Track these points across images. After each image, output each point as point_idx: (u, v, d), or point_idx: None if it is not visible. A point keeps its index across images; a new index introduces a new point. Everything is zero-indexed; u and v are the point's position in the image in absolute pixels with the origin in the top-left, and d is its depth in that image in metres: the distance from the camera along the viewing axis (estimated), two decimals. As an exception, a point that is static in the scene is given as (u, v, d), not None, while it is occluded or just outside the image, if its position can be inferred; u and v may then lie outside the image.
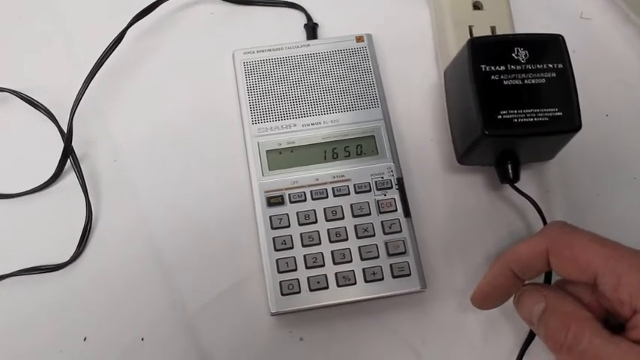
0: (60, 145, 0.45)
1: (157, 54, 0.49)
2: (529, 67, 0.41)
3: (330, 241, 0.42)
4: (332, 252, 0.42)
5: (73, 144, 0.45)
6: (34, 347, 0.42)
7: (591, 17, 0.52)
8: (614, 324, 0.33)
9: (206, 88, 0.48)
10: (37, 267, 0.43)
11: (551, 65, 0.41)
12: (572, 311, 0.33)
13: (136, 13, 0.47)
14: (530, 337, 0.40)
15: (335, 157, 0.44)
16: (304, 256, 0.42)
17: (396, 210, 0.43)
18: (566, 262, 0.34)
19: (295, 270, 0.41)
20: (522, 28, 0.48)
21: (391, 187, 0.44)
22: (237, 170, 0.45)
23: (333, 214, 0.43)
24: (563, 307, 0.34)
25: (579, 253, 0.34)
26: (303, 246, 0.42)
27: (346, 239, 0.42)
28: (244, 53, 0.47)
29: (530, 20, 0.49)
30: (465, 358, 0.42)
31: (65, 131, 0.45)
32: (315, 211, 0.43)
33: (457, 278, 0.43)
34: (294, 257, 0.42)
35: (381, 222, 0.43)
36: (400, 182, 0.44)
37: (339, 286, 0.41)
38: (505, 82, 0.41)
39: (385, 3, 0.52)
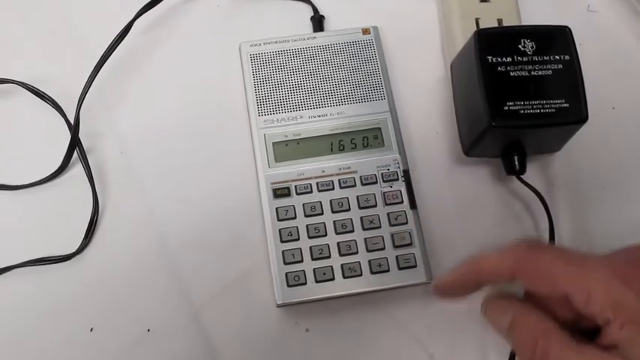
0: (67, 137, 0.45)
1: (164, 46, 0.50)
2: (536, 58, 0.41)
3: (336, 233, 0.42)
4: (338, 243, 0.42)
5: (79, 136, 0.45)
6: (40, 338, 0.42)
7: (598, 10, 0.52)
8: (586, 327, 0.33)
9: (212, 80, 0.48)
10: (44, 258, 0.43)
11: (557, 57, 0.41)
12: (538, 324, 0.33)
13: (142, 6, 0.47)
14: None
15: (341, 149, 0.44)
16: (310, 247, 0.42)
17: (402, 202, 0.43)
18: (533, 283, 0.34)
19: (301, 261, 0.42)
20: (529, 20, 0.48)
21: (397, 179, 0.44)
22: (243, 162, 0.45)
23: (339, 206, 0.43)
24: (529, 320, 0.34)
25: (545, 274, 0.33)
26: (309, 237, 0.42)
27: (352, 231, 0.42)
28: (251, 45, 0.47)
29: (536, 13, 0.49)
30: (471, 350, 0.42)
31: (72, 123, 0.45)
32: (321, 202, 0.43)
33: (463, 270, 0.43)
34: (300, 249, 0.42)
35: (387, 214, 0.43)
36: (406, 174, 0.44)
37: (345, 277, 0.41)
38: (512, 74, 0.41)
39: (392, -5, 0.52)
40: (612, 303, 0.31)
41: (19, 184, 0.45)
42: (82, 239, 0.44)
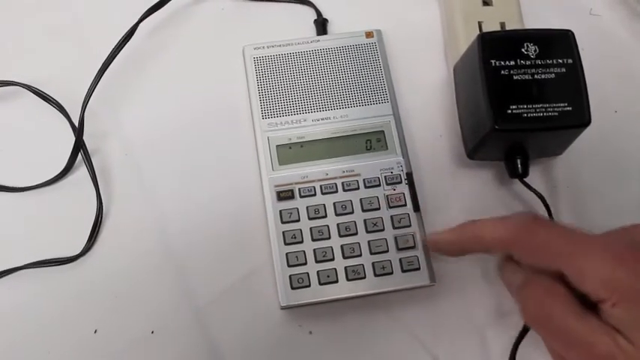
0: (71, 139, 0.45)
1: (168, 49, 0.50)
2: (539, 62, 0.41)
3: (340, 236, 0.42)
4: (342, 246, 0.42)
5: (84, 138, 0.45)
6: (44, 339, 0.42)
7: (601, 14, 0.52)
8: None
9: (216, 83, 0.48)
10: (48, 260, 0.43)
11: (560, 60, 0.42)
12: (548, 286, 0.34)
13: (147, 8, 0.47)
14: (525, 330, 0.40)
15: (344, 152, 0.45)
16: (314, 250, 0.42)
17: (405, 204, 0.43)
18: (529, 258, 0.35)
19: (305, 264, 0.42)
20: (531, 24, 0.48)
21: (400, 182, 0.44)
22: (247, 164, 0.45)
23: (342, 209, 0.43)
24: (540, 281, 0.34)
25: (541, 252, 0.34)
26: (313, 240, 0.42)
27: (356, 233, 0.42)
28: (254, 49, 0.47)
29: (539, 16, 0.49)
30: (474, 352, 0.42)
31: (76, 125, 0.45)
32: (324, 205, 0.43)
33: (466, 273, 0.43)
34: (304, 251, 0.42)
35: (391, 216, 0.43)
36: (409, 177, 0.44)
37: (348, 280, 0.41)
38: (515, 77, 0.41)
39: (395, -1, 0.52)
40: (604, 282, 0.31)
41: (23, 186, 0.45)
42: (86, 241, 0.44)
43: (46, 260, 0.43)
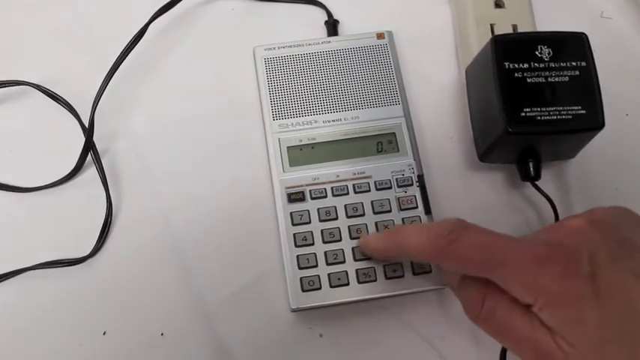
0: (81, 139, 0.45)
1: (179, 49, 0.50)
2: (552, 65, 0.41)
3: (351, 238, 0.42)
4: (353, 249, 0.42)
5: (94, 138, 0.45)
6: (53, 341, 0.42)
7: (612, 17, 0.52)
8: None
9: (227, 84, 0.48)
10: (58, 261, 0.43)
11: (574, 63, 0.41)
12: (486, 283, 0.33)
13: (158, 9, 0.47)
14: None
15: (356, 153, 0.44)
16: (325, 252, 0.42)
17: (416, 207, 0.43)
18: (454, 269, 0.35)
19: (316, 266, 0.41)
20: (543, 27, 0.48)
21: (412, 184, 0.44)
22: (257, 166, 0.45)
23: (353, 211, 0.43)
24: (478, 279, 0.34)
25: (464, 263, 0.34)
26: (324, 242, 0.42)
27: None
28: (265, 49, 0.47)
29: (550, 19, 0.49)
30: (485, 356, 0.42)
31: (86, 125, 0.45)
32: (335, 207, 0.43)
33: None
34: (315, 253, 0.42)
35: (402, 219, 0.42)
36: (421, 179, 0.44)
37: (359, 282, 0.41)
38: (528, 80, 0.41)
39: (406, 0, 0.52)
40: (527, 288, 0.31)
41: (32, 186, 0.45)
42: (95, 242, 0.44)
43: (55, 261, 0.43)
